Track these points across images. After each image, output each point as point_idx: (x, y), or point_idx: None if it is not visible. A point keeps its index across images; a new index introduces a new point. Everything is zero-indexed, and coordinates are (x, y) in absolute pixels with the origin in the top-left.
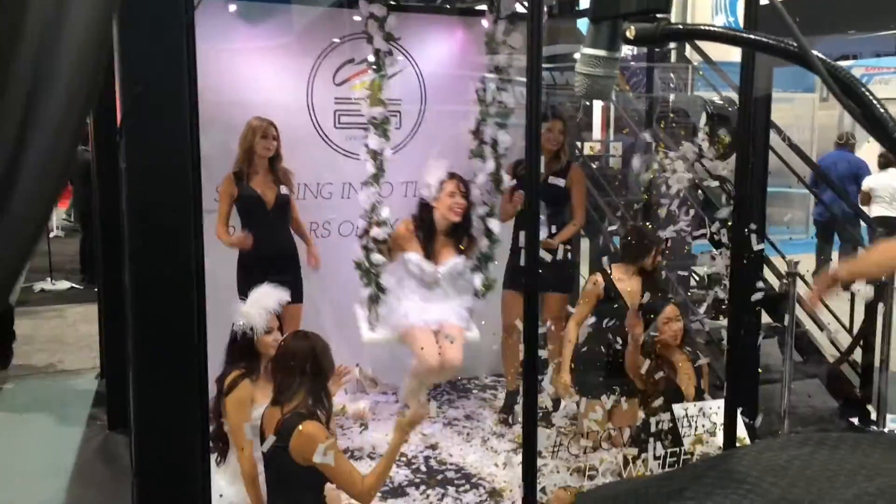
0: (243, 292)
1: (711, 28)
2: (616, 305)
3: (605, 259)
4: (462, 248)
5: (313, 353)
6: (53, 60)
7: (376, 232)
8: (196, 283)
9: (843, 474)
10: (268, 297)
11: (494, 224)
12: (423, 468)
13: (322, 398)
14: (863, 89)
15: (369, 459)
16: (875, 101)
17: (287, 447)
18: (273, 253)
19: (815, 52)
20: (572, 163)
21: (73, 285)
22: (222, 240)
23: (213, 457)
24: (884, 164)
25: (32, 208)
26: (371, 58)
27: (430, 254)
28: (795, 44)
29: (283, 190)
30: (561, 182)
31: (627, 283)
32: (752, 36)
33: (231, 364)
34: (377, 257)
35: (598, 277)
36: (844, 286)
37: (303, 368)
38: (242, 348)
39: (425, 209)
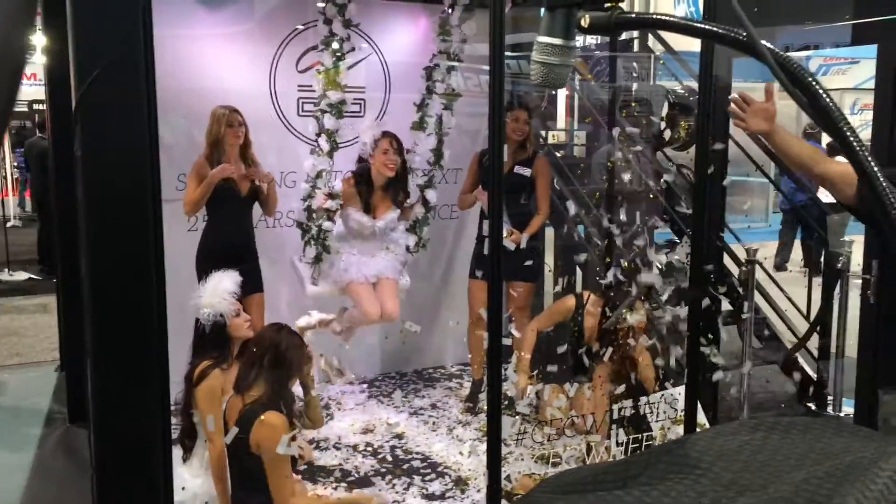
0: (202, 279)
1: (664, 17)
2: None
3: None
4: (400, 202)
5: (277, 345)
6: None
7: (329, 203)
8: (155, 272)
9: (792, 458)
10: (224, 281)
11: (431, 194)
12: (388, 458)
13: (282, 393)
14: (810, 79)
15: (335, 450)
16: (821, 92)
17: (248, 438)
18: (237, 242)
19: (764, 43)
20: (538, 153)
21: (32, 276)
22: (187, 210)
23: (179, 453)
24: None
25: None
26: (332, 45)
27: (368, 208)
28: (745, 34)
29: (257, 181)
30: (527, 172)
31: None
32: (703, 25)
33: (199, 356)
34: (328, 224)
35: (571, 302)
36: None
37: (264, 359)
38: (211, 338)
39: (363, 166)
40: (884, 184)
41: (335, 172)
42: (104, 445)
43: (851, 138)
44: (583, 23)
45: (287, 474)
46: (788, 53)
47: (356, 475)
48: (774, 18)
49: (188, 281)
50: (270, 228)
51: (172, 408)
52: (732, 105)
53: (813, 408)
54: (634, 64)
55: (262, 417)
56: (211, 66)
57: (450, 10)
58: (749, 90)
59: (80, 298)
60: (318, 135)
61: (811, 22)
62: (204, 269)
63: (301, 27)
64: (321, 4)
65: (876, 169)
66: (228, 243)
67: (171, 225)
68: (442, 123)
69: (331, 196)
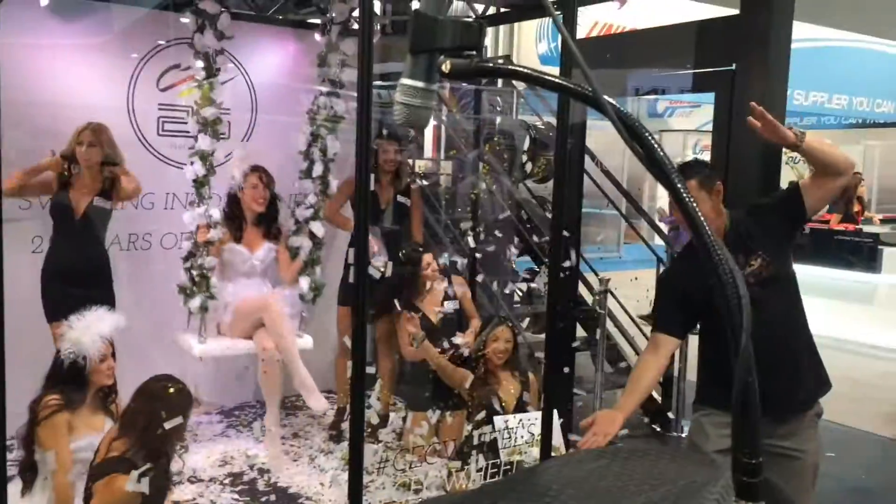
0: (49, 307)
1: (519, 69)
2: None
3: None
4: (273, 235)
5: (155, 413)
6: None
7: (212, 234)
8: None
9: (632, 484)
10: (102, 322)
11: (317, 227)
12: (247, 490)
13: (153, 456)
14: (646, 134)
15: (189, 483)
16: (656, 146)
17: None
18: (84, 268)
19: (606, 98)
20: (411, 183)
21: None
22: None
23: (19, 487)
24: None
25: None
26: (200, 62)
27: (241, 241)
28: (590, 89)
29: (98, 202)
30: (408, 201)
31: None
32: (553, 79)
33: (48, 390)
34: (210, 260)
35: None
36: None
37: (140, 419)
38: (67, 376)
39: (233, 200)
40: (707, 231)
41: (213, 197)
42: None
43: (682, 191)
44: (444, 68)
45: None
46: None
47: None
48: (626, 63)
49: (29, 305)
50: (124, 251)
51: (11, 441)
52: (751, 119)
53: (658, 429)
54: (498, 98)
55: (111, 478)
56: (62, 78)
57: (324, 37)
58: (601, 128)
59: None
60: (192, 162)
61: (658, 69)
62: (48, 291)
63: (163, 43)
64: (186, 20)
65: (703, 220)
66: (73, 265)
67: (10, 247)
68: (327, 150)
69: (210, 227)
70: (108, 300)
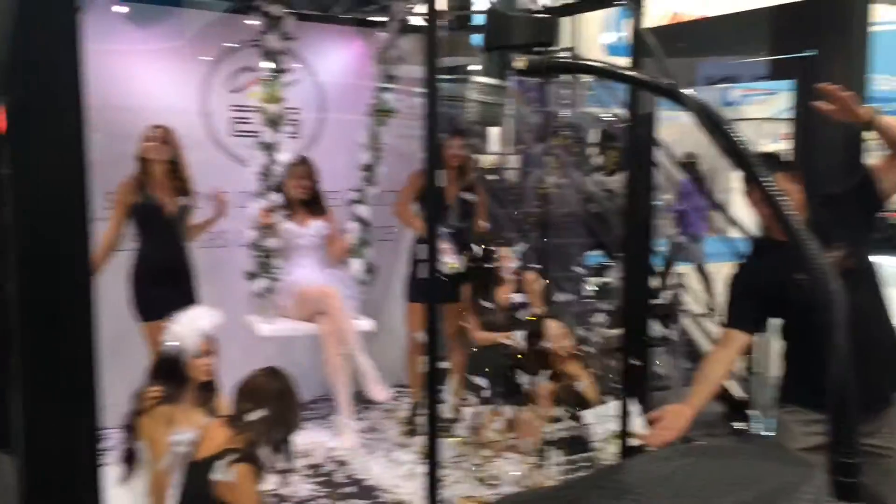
0: (141, 307)
1: (594, 64)
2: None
3: None
4: (319, 213)
5: (282, 396)
6: None
7: (273, 217)
8: (85, 294)
9: (722, 484)
10: (201, 318)
11: (363, 209)
12: (326, 481)
13: (285, 449)
14: (727, 125)
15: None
16: (738, 137)
17: (209, 470)
18: (171, 264)
19: (687, 91)
20: (476, 179)
21: None
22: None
23: (120, 473)
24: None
25: None
26: (266, 62)
27: (292, 220)
28: (669, 83)
29: (182, 200)
30: (472, 197)
31: None
32: (630, 73)
33: (154, 379)
34: (273, 242)
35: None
36: None
37: (257, 409)
38: (168, 369)
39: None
40: (796, 225)
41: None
42: (32, 473)
43: (767, 182)
44: (518, 65)
45: None
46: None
47: (293, 499)
48: (697, 51)
49: (118, 302)
50: (202, 249)
51: (117, 429)
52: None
53: (738, 427)
54: (566, 91)
55: (234, 468)
56: (142, 83)
57: (386, 35)
58: (672, 118)
59: (2, 317)
60: (256, 151)
61: (731, 56)
62: (136, 290)
63: (233, 46)
64: (254, 22)
65: (789, 213)
66: (161, 264)
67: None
68: (377, 140)
69: (271, 210)
70: (193, 298)
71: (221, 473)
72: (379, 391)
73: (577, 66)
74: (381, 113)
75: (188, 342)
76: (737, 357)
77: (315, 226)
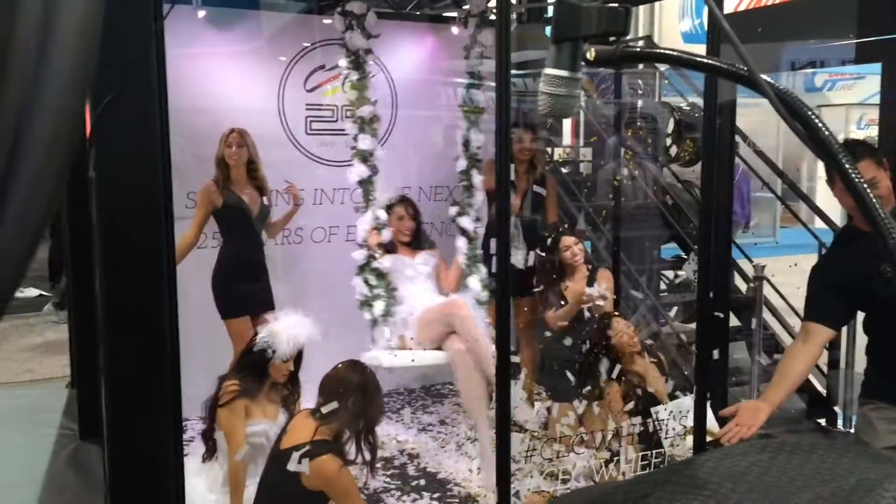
0: (221, 300)
1: (667, 52)
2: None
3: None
4: (424, 247)
5: (365, 388)
6: (39, 91)
7: (384, 235)
8: (168, 289)
9: (798, 480)
10: (300, 328)
11: (466, 221)
12: (398, 474)
13: (369, 439)
14: (809, 112)
15: None
16: (820, 125)
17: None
18: (253, 262)
19: (763, 77)
20: (546, 172)
21: (42, 293)
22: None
23: (202, 453)
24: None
25: (19, 240)
26: (348, 61)
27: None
28: (746, 69)
29: (265, 200)
30: (543, 191)
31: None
32: (705, 60)
33: (237, 371)
34: (385, 262)
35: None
36: None
37: (347, 401)
38: (253, 363)
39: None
40: (882, 214)
41: (377, 199)
42: (118, 462)
43: (851, 171)
44: (588, 56)
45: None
46: (794, 70)
47: (365, 491)
48: (779, 36)
49: (200, 299)
50: (278, 245)
51: (198, 417)
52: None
53: (822, 423)
54: (639, 81)
55: (321, 459)
56: (220, 84)
57: (461, 29)
58: (753, 106)
59: (91, 315)
60: (353, 159)
61: (815, 41)
62: (221, 287)
63: (309, 45)
64: (328, 22)
65: (874, 201)
66: (244, 262)
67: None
68: (469, 144)
69: (377, 228)
70: (269, 293)
71: (304, 463)
72: (487, 476)
73: (648, 55)
74: (473, 112)
75: (281, 346)
76: (818, 352)
77: (422, 256)
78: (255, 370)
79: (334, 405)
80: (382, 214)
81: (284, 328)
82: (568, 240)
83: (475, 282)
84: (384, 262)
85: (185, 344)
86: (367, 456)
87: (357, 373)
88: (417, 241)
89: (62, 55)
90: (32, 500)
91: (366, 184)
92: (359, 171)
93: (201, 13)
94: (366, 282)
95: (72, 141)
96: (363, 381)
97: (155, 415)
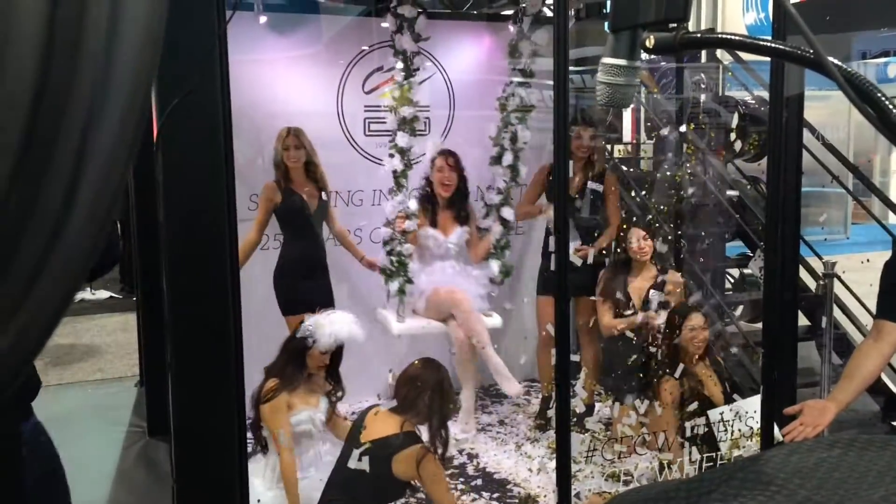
0: (283, 298)
1: (729, 37)
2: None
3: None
4: (463, 217)
5: (441, 382)
6: (106, 92)
7: (408, 224)
8: (232, 290)
9: (870, 476)
10: (343, 324)
11: (507, 212)
12: (457, 473)
13: (441, 431)
14: (879, 95)
15: None
16: (892, 107)
17: (388, 456)
18: (312, 259)
19: (831, 59)
20: (605, 169)
21: (113, 294)
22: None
23: (253, 447)
24: None
25: (86, 236)
26: (399, 64)
27: (436, 225)
28: (812, 51)
29: (324, 196)
30: (599, 187)
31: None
32: (769, 44)
33: (280, 356)
34: (407, 247)
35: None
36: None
37: (426, 394)
38: (295, 349)
39: (427, 184)
40: None
41: (411, 191)
42: (185, 458)
43: None
44: (647, 44)
45: (447, 489)
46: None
47: (424, 490)
48: (850, 25)
49: (263, 298)
50: (338, 246)
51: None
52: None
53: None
54: (702, 75)
55: (413, 448)
56: (280, 89)
57: (516, 27)
58: (822, 98)
59: (160, 316)
60: (392, 155)
61: (888, 28)
62: (282, 285)
63: (366, 48)
64: (386, 25)
65: None
66: (305, 260)
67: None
68: (517, 139)
69: (407, 217)
70: (329, 292)
71: (386, 458)
72: (511, 386)
73: (710, 41)
74: (521, 110)
75: (323, 337)
76: (891, 351)
77: (457, 233)
78: (296, 357)
79: (425, 399)
80: (413, 205)
81: (329, 322)
82: (637, 232)
83: (495, 265)
84: (407, 246)
85: (249, 343)
86: (441, 450)
87: (433, 370)
88: (460, 206)
89: (128, 57)
90: (103, 495)
91: (399, 176)
92: (394, 163)
93: (262, 19)
94: (390, 260)
95: (136, 140)
96: (439, 378)
97: (220, 412)
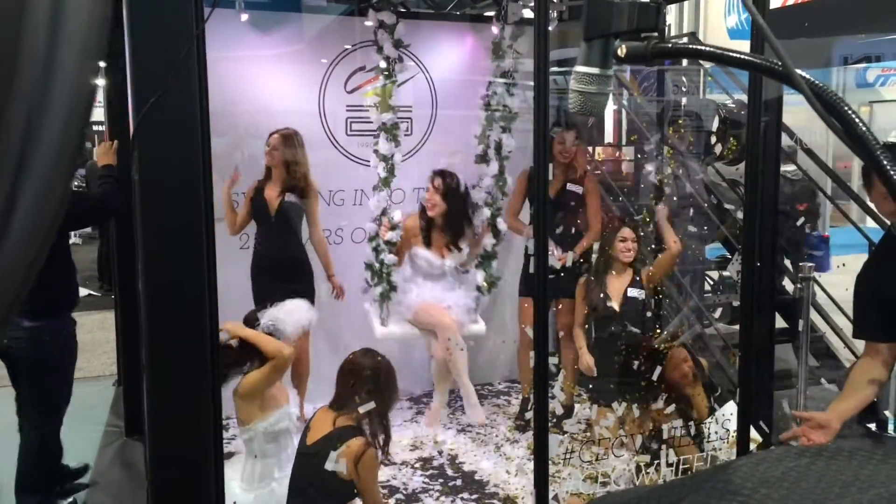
0: (257, 298)
1: (700, 48)
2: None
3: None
4: (459, 243)
5: (377, 373)
6: (45, 105)
7: (390, 235)
8: (208, 289)
9: (837, 486)
10: (302, 312)
11: (500, 223)
12: (436, 474)
13: (382, 422)
14: (845, 108)
15: (383, 466)
16: (857, 120)
17: (326, 454)
18: (282, 259)
19: (798, 72)
20: (587, 171)
21: (91, 292)
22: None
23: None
24: (864, 179)
25: (28, 247)
26: (381, 64)
27: (432, 246)
28: (780, 63)
29: (288, 197)
30: (578, 189)
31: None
32: (738, 56)
33: (240, 354)
34: (390, 258)
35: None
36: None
37: (363, 386)
38: (252, 348)
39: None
40: None
41: (393, 192)
42: (159, 459)
43: (888, 166)
44: (619, 53)
45: (378, 490)
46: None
47: (404, 491)
48: (831, 30)
49: (240, 299)
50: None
51: (225, 422)
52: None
53: (873, 428)
54: (683, 78)
55: (349, 443)
56: (262, 87)
57: (499, 29)
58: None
59: (138, 315)
60: (372, 158)
61: (867, 35)
62: (256, 282)
63: (349, 48)
64: (369, 23)
65: None
66: (271, 258)
67: (223, 242)
68: (502, 148)
69: (392, 227)
70: (308, 292)
71: (342, 463)
72: (476, 414)
73: (681, 51)
74: (505, 118)
75: (288, 329)
76: (888, 370)
77: (452, 258)
78: (254, 354)
79: (371, 405)
80: (397, 216)
81: (287, 313)
82: (626, 232)
83: (481, 275)
84: (391, 258)
85: None
86: (382, 443)
87: (370, 358)
88: (454, 230)
89: (68, 67)
90: (80, 494)
91: (380, 188)
92: (377, 170)
93: (244, 16)
94: (370, 267)
95: (78, 150)
96: (376, 366)
97: (196, 412)
